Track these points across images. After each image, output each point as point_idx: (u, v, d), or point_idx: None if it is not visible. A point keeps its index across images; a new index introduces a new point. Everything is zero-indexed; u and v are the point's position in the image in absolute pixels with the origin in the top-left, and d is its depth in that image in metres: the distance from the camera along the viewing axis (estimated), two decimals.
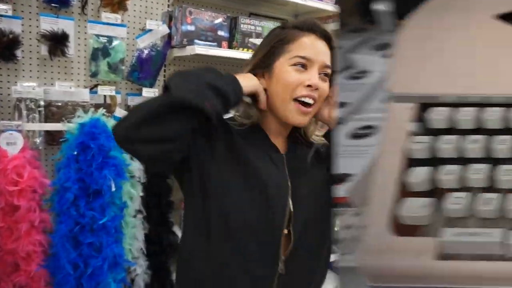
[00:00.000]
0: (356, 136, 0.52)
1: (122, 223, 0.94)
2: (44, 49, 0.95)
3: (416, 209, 0.38)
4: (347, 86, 0.64)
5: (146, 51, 1.05)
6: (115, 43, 1.01)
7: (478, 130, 0.42)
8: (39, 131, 0.96)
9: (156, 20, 1.07)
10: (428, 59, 0.43)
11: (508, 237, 0.33)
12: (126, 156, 0.91)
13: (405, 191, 0.40)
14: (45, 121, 0.96)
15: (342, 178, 0.46)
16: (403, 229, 0.38)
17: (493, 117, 0.39)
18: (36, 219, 0.85)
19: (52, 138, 0.98)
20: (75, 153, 0.89)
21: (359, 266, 0.37)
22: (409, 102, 0.43)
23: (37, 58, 0.99)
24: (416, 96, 0.43)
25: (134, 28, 1.08)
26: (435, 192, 0.46)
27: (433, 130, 0.43)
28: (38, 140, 0.94)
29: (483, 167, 0.39)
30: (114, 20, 0.99)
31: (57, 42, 0.96)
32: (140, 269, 1.00)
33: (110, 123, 0.91)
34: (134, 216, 0.97)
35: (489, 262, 0.35)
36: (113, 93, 1.02)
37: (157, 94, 0.98)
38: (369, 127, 0.52)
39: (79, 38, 1.02)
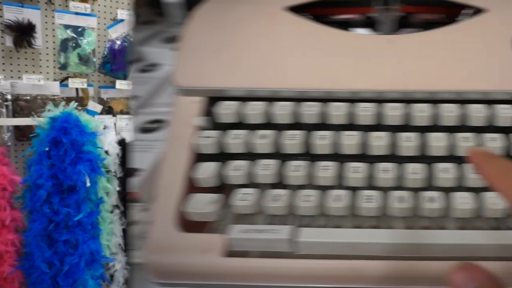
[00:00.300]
0: (145, 130, 0.58)
1: (99, 219, 1.00)
2: (8, 41, 0.98)
3: (203, 205, 0.42)
4: (137, 79, 0.72)
5: (118, 42, 1.06)
6: (85, 33, 1.01)
7: (267, 125, 0.47)
8: (7, 127, 1.01)
9: (128, 9, 1.07)
10: (217, 52, 0.48)
11: (296, 234, 0.38)
12: (101, 151, 0.99)
13: (193, 187, 0.44)
14: (13, 116, 1.05)
15: (132, 172, 0.51)
16: (190, 225, 0.43)
17: (282, 111, 0.44)
18: (7, 218, 0.89)
19: (21, 133, 1.04)
20: (47, 149, 0.92)
21: (145, 263, 0.40)
22: (196, 95, 0.48)
23: (2, 50, 1.01)
24: (204, 89, 0.47)
25: (105, 18, 1.09)
26: (224, 188, 0.50)
27: (221, 125, 0.48)
28: (6, 136, 1.00)
29: (272, 162, 0.43)
30: (84, 9, 1.00)
31: (23, 33, 0.97)
32: (119, 265, 1.09)
33: (83, 117, 0.98)
34: (111, 212, 1.06)
35: (277, 260, 0.39)
36: (85, 85, 1.06)
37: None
38: (157, 121, 0.59)
39: (46, 28, 1.02)
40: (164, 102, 0.67)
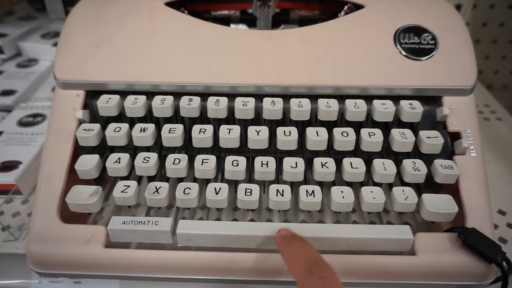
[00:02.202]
0: (24, 124, 0.55)
1: None
2: None
3: (84, 197, 0.40)
4: (15, 74, 0.64)
5: None
6: None
7: (148, 118, 0.46)
8: None
9: None
10: (96, 46, 0.45)
11: (177, 227, 0.38)
12: None
13: (74, 179, 0.42)
14: None
15: (11, 165, 0.49)
16: (72, 217, 0.41)
17: (162, 105, 0.43)
18: None
19: None
20: None
21: (26, 253, 0.39)
22: (76, 89, 0.45)
23: None
24: (83, 83, 0.45)
25: None
26: (107, 180, 0.49)
27: (102, 118, 0.46)
28: None
29: (151, 155, 0.42)
30: None
31: None
32: None
33: None
34: None
35: (158, 251, 0.38)
36: None
37: None
38: (38, 115, 0.54)
39: None
40: (44, 97, 0.63)
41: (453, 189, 0.41)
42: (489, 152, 0.59)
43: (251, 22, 0.60)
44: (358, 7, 0.50)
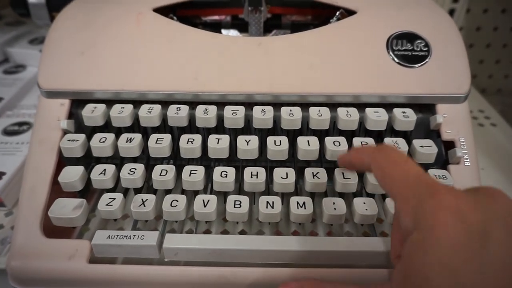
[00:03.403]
0: (9, 132, 0.54)
1: None
2: None
3: (67, 210, 0.38)
4: (2, 80, 0.63)
5: None
6: None
7: (135, 128, 0.45)
8: None
9: None
10: (82, 53, 0.44)
11: (163, 241, 0.36)
12: None
13: (58, 191, 0.41)
14: None
15: None
16: (55, 230, 0.39)
17: (149, 114, 0.42)
18: None
19: None
20: None
21: (7, 269, 0.37)
22: (60, 98, 0.44)
23: None
24: (68, 91, 0.43)
25: None
26: (91, 192, 0.48)
27: (87, 128, 0.45)
28: None
29: (138, 166, 0.41)
30: None
31: None
32: None
33: None
34: None
35: (144, 266, 0.36)
36: None
37: None
38: (23, 123, 0.52)
39: None
40: (31, 104, 0.62)
41: None
42: (483, 159, 0.58)
43: (242, 27, 0.59)
44: (350, 12, 0.49)
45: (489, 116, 0.69)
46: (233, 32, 0.58)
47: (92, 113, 0.42)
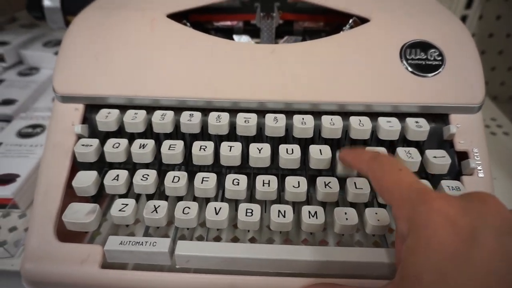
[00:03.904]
0: (23, 135, 0.55)
1: None
2: None
3: (81, 215, 0.39)
4: (16, 82, 0.63)
5: None
6: None
7: (148, 133, 0.45)
8: None
9: None
10: (96, 58, 0.44)
11: (175, 248, 0.36)
12: None
13: (71, 196, 0.41)
14: None
15: (8, 178, 0.48)
16: (68, 235, 0.39)
17: (162, 120, 0.42)
18: None
19: None
20: None
21: (20, 271, 0.37)
22: (75, 102, 0.44)
23: None
24: (82, 96, 0.43)
25: None
26: (104, 197, 0.48)
27: (100, 132, 0.45)
28: None
29: (151, 173, 0.41)
30: None
31: None
32: None
33: None
34: None
35: (155, 273, 0.37)
36: None
37: None
38: (37, 126, 0.53)
39: None
40: (44, 107, 0.62)
41: None
42: (496, 168, 0.57)
43: (254, 33, 0.59)
44: (363, 20, 0.48)
45: (502, 125, 0.68)
46: (245, 38, 0.59)
47: (106, 119, 0.42)
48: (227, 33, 0.60)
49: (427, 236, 0.24)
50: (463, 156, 0.42)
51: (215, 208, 0.39)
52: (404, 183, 0.28)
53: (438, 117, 0.44)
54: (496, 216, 0.25)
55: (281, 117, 0.42)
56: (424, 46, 0.44)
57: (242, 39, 0.58)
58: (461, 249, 0.23)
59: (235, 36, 0.59)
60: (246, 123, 0.41)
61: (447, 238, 0.24)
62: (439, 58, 0.43)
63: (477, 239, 0.23)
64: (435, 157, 0.41)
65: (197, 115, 0.42)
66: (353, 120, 0.42)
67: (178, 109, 0.44)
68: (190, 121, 0.42)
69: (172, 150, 0.40)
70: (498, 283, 0.23)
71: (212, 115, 0.42)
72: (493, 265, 0.23)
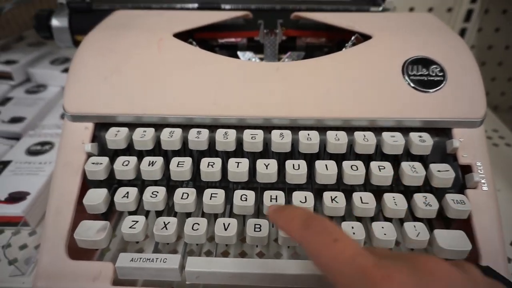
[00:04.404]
0: (32, 152, 0.55)
1: None
2: None
3: (92, 232, 0.39)
4: (24, 100, 0.64)
5: None
6: None
7: (157, 151, 0.46)
8: None
9: None
10: (105, 78, 0.45)
11: (185, 264, 0.37)
12: None
13: (82, 213, 0.42)
14: None
15: (19, 196, 0.49)
16: (78, 251, 0.40)
17: (170, 138, 0.43)
18: None
19: None
20: None
21: None
22: (85, 121, 0.45)
23: None
24: (92, 115, 0.44)
25: None
26: (114, 213, 0.49)
27: (109, 150, 0.46)
28: None
29: (160, 190, 0.42)
30: None
31: None
32: None
33: None
34: None
35: None
36: None
37: None
38: (46, 143, 0.54)
39: None
40: (53, 124, 0.63)
41: (463, 223, 0.40)
42: (499, 180, 0.57)
43: (258, 49, 0.60)
44: (365, 37, 0.50)
45: (504, 136, 0.69)
46: (249, 54, 0.60)
47: (116, 137, 0.43)
48: (231, 50, 0.61)
49: None
50: (466, 169, 0.43)
51: (223, 224, 0.39)
52: (344, 259, 0.24)
53: (441, 131, 0.45)
54: None
55: (287, 133, 0.43)
56: (426, 62, 0.45)
57: (246, 55, 0.60)
58: None
59: (239, 53, 0.60)
60: (253, 139, 0.42)
61: None
62: (441, 74, 0.44)
63: None
64: (439, 171, 0.41)
65: (205, 132, 0.43)
66: (358, 135, 0.43)
67: (184, 126, 0.45)
68: (198, 138, 0.42)
69: (181, 167, 0.41)
70: None
71: (219, 132, 0.43)
72: None
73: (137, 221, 0.40)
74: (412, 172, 0.41)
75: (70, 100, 0.45)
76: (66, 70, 0.76)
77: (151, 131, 0.44)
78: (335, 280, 0.25)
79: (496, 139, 0.68)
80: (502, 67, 0.92)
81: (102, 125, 0.45)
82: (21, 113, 0.67)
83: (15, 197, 0.49)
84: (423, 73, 0.44)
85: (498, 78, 0.93)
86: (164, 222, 0.40)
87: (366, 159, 0.44)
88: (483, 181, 0.41)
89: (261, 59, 0.59)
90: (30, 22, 0.79)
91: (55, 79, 0.76)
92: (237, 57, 0.58)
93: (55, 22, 0.63)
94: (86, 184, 0.43)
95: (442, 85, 0.44)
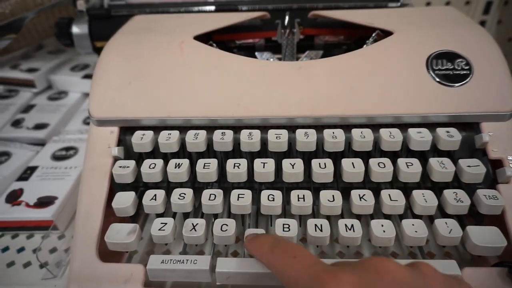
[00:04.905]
0: (58, 157, 0.56)
1: None
2: None
3: (122, 235, 0.40)
4: (47, 107, 0.65)
5: None
6: None
7: (183, 153, 0.46)
8: None
9: None
10: (129, 82, 0.45)
11: (215, 265, 0.37)
12: None
13: (110, 216, 0.42)
14: None
15: (47, 201, 0.49)
16: (110, 255, 0.40)
17: (195, 140, 0.43)
18: None
19: None
20: None
21: None
22: (110, 125, 0.45)
23: None
24: (117, 119, 0.45)
25: None
26: (142, 215, 0.49)
27: (135, 153, 0.46)
28: None
29: (187, 191, 0.42)
30: None
31: None
32: None
33: None
34: None
35: None
36: None
37: None
38: (70, 148, 0.55)
39: None
40: (75, 129, 0.64)
41: (496, 219, 0.39)
42: None
43: (275, 49, 0.60)
44: (387, 33, 0.49)
45: None
46: (267, 55, 0.59)
47: (141, 140, 0.43)
48: (249, 51, 0.61)
49: None
50: (496, 164, 0.42)
51: (249, 224, 0.39)
52: (301, 269, 0.28)
53: (468, 126, 0.44)
54: (391, 286, 0.24)
55: (312, 132, 0.43)
56: (451, 56, 0.44)
57: (264, 56, 0.59)
58: None
59: (257, 53, 0.60)
60: (278, 139, 0.42)
61: None
62: (467, 67, 0.44)
63: None
64: (469, 166, 0.40)
65: (229, 133, 0.43)
66: (384, 132, 0.42)
67: (208, 128, 0.45)
68: (223, 140, 0.42)
69: (207, 169, 0.41)
70: None
71: (244, 133, 0.43)
72: None
73: (166, 223, 0.40)
74: (441, 168, 0.40)
75: (95, 105, 0.45)
76: (86, 76, 0.77)
77: (176, 133, 0.44)
78: None
79: None
80: None
81: (127, 129, 0.46)
82: (44, 119, 0.68)
83: (44, 202, 0.49)
84: (448, 67, 0.44)
85: None
86: (192, 224, 0.39)
87: (392, 156, 0.43)
88: None
89: (279, 59, 0.58)
90: (49, 30, 0.80)
91: (76, 85, 0.77)
92: (255, 58, 0.58)
93: (75, 29, 0.64)
94: (113, 187, 0.44)
95: (468, 78, 0.43)
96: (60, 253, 0.47)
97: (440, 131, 0.42)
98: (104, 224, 0.41)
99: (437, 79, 0.43)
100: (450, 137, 0.41)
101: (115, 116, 0.44)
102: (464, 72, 0.43)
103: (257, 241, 0.34)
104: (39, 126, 0.66)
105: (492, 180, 0.42)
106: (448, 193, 0.40)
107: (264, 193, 0.41)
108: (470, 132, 0.44)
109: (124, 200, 0.41)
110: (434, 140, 0.43)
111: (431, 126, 0.43)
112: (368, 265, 0.26)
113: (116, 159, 0.44)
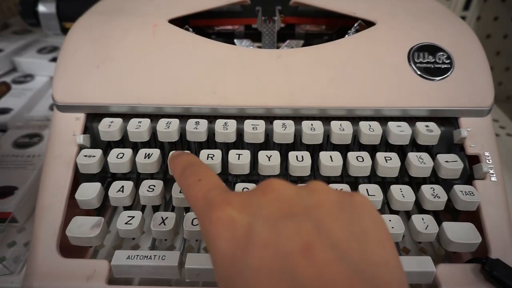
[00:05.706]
0: (20, 145, 0.52)
1: None
2: None
3: (86, 229, 0.37)
4: (11, 91, 0.63)
5: None
6: None
7: (153, 142, 0.44)
8: None
9: None
10: (97, 66, 0.43)
11: (183, 261, 0.35)
12: None
13: (74, 209, 0.40)
14: None
15: (6, 191, 0.46)
16: (70, 249, 0.38)
17: (167, 129, 0.41)
18: None
19: None
20: None
21: None
22: (76, 112, 0.43)
23: None
24: (83, 105, 0.42)
25: None
26: (107, 208, 0.47)
27: (102, 142, 0.44)
28: None
29: (157, 183, 0.40)
30: None
31: None
32: None
33: None
34: None
35: (164, 287, 0.36)
36: None
37: None
38: (34, 135, 0.51)
39: None
40: (41, 115, 0.61)
41: (471, 215, 0.39)
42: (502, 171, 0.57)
43: (255, 37, 0.58)
44: (369, 23, 0.48)
45: (504, 126, 0.68)
46: (246, 42, 0.58)
47: (109, 128, 0.41)
48: (228, 38, 0.59)
49: (213, 253, 0.22)
50: (474, 159, 0.42)
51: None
52: (201, 193, 0.26)
53: (446, 121, 0.44)
54: (273, 203, 0.23)
55: (290, 124, 0.41)
56: (432, 49, 0.44)
57: (243, 44, 0.58)
58: (238, 254, 0.21)
59: (236, 41, 0.58)
60: (254, 130, 0.40)
61: (226, 247, 0.22)
62: (448, 61, 0.43)
63: (253, 237, 0.21)
64: (447, 161, 0.40)
65: (203, 122, 0.41)
66: (363, 125, 0.41)
67: (182, 117, 0.43)
68: (197, 129, 0.40)
69: None
70: (271, 285, 0.19)
71: (219, 123, 0.41)
72: (264, 263, 0.20)
73: (133, 217, 0.38)
74: (420, 163, 0.39)
75: (59, 89, 0.42)
76: (54, 59, 0.73)
77: (146, 121, 0.42)
78: (195, 213, 0.26)
79: (497, 129, 0.68)
80: (500, 57, 0.91)
81: (94, 116, 0.43)
82: (7, 104, 0.64)
83: (3, 192, 0.47)
84: (430, 61, 0.43)
85: (496, 68, 0.93)
86: (162, 218, 0.38)
87: (371, 150, 0.43)
88: (491, 171, 0.40)
89: (259, 47, 0.57)
90: (15, 9, 0.76)
91: (43, 68, 0.73)
92: (233, 45, 0.56)
93: (42, 8, 0.60)
94: (78, 178, 0.42)
95: (449, 72, 0.42)
96: (19, 248, 0.44)
97: (420, 125, 0.42)
98: (67, 217, 0.39)
99: (418, 72, 0.42)
100: (430, 132, 0.41)
101: (81, 101, 0.42)
102: (445, 66, 0.43)
103: (175, 161, 0.32)
104: (1, 111, 0.62)
105: (468, 176, 0.42)
106: (425, 189, 0.39)
107: (239, 186, 0.39)
108: (449, 127, 0.43)
109: (89, 192, 0.39)
110: (413, 135, 0.42)
111: (411, 120, 0.43)
112: (259, 186, 0.25)
113: (81, 147, 0.41)
